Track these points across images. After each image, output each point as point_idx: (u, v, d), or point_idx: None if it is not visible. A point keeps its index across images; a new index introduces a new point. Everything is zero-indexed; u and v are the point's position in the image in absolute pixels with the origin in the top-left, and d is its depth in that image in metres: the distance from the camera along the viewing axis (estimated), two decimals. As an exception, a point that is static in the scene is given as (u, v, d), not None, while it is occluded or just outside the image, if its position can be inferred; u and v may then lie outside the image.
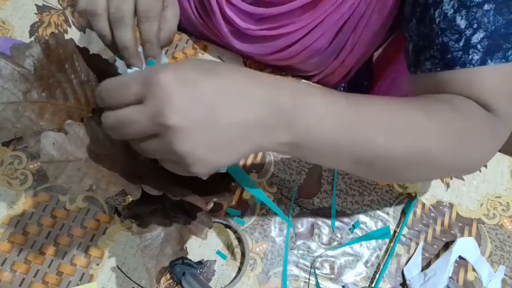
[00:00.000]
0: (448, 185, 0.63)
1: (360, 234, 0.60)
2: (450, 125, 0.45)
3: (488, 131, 0.48)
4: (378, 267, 0.58)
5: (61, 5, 0.73)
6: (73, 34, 0.70)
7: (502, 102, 0.48)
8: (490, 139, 0.49)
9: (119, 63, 0.49)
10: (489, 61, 0.46)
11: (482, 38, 0.46)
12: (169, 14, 0.49)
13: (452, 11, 0.47)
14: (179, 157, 0.35)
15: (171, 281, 0.56)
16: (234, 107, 0.35)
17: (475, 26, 0.46)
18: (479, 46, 0.46)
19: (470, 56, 0.47)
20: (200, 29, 0.69)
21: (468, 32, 0.47)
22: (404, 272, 0.57)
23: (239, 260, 0.58)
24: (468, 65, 0.47)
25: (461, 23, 0.47)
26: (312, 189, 0.62)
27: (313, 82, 0.73)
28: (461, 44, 0.47)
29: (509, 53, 0.46)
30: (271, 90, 0.37)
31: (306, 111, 0.38)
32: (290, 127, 0.37)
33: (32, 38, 0.70)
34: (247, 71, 0.38)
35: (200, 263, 0.56)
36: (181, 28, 0.76)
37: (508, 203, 0.63)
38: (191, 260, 0.55)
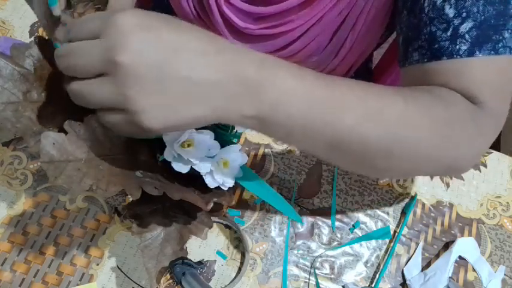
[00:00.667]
0: (448, 185, 0.63)
1: (360, 234, 0.60)
2: (429, 112, 0.43)
3: (472, 123, 0.45)
4: (378, 267, 0.58)
5: (61, 5, 0.73)
6: (73, 34, 0.70)
7: (489, 96, 0.46)
8: (475, 132, 0.46)
9: None
10: (477, 52, 0.44)
11: (470, 28, 0.44)
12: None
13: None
14: (125, 102, 0.32)
15: (171, 281, 0.56)
16: (192, 63, 0.33)
17: (464, 15, 0.45)
18: (467, 36, 0.45)
19: (457, 46, 0.45)
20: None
21: (456, 21, 0.45)
22: (404, 272, 0.57)
23: (239, 260, 0.58)
24: (455, 56, 0.45)
25: (450, 11, 0.45)
26: (312, 189, 0.62)
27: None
28: (448, 33, 0.45)
29: (499, 45, 0.44)
30: (235, 57, 0.35)
31: (273, 84, 0.36)
32: (255, 99, 0.35)
33: (32, 38, 0.70)
34: (214, 35, 0.36)
35: (200, 263, 0.56)
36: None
37: (508, 203, 0.63)
38: (191, 260, 0.55)
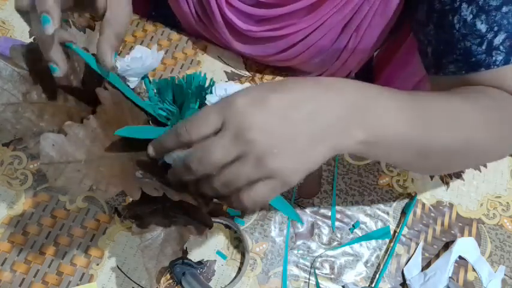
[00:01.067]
0: (448, 185, 0.63)
1: (360, 234, 0.60)
2: (490, 115, 0.48)
3: None
4: (378, 267, 0.58)
5: (61, 5, 0.73)
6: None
7: None
8: None
9: (118, 63, 0.49)
10: None
11: (504, 40, 0.48)
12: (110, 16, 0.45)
13: (471, 16, 0.49)
14: (267, 168, 0.36)
15: (171, 281, 0.56)
16: (306, 112, 0.36)
17: (496, 28, 0.48)
18: (501, 47, 0.49)
19: (493, 58, 0.49)
20: (200, 32, 0.69)
21: (490, 36, 0.49)
22: (404, 272, 0.57)
23: (239, 260, 0.58)
24: (493, 66, 0.49)
25: (482, 27, 0.49)
26: (312, 189, 0.62)
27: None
28: (484, 47, 0.49)
29: None
30: (341, 91, 0.38)
31: (377, 108, 0.39)
32: (364, 124, 0.39)
33: (32, 38, 0.70)
34: (313, 79, 0.39)
35: (200, 263, 0.56)
36: (181, 29, 0.76)
37: (508, 203, 0.63)
38: (191, 260, 0.55)
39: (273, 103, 0.36)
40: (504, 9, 0.48)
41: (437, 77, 0.55)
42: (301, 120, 0.36)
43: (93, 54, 0.48)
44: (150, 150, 0.42)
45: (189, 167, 0.37)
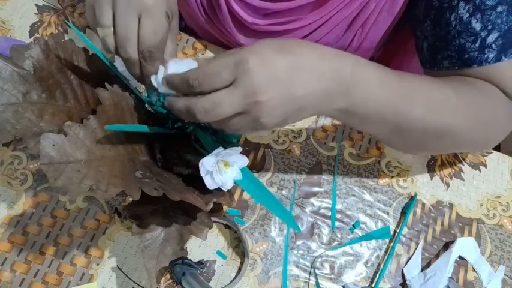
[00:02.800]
0: (448, 185, 0.63)
1: (360, 234, 0.60)
2: (474, 103, 0.50)
3: (505, 113, 0.53)
4: (378, 267, 0.58)
5: (61, 5, 0.73)
6: (73, 34, 0.70)
7: None
8: (506, 121, 0.54)
9: (118, 63, 0.49)
10: (503, 57, 0.51)
11: (496, 38, 0.50)
12: (174, 23, 0.50)
13: (467, 14, 0.51)
14: (260, 126, 0.41)
15: (171, 281, 0.56)
16: (304, 82, 0.40)
17: (490, 27, 0.50)
18: (494, 46, 0.50)
19: (486, 55, 0.51)
20: (205, 26, 0.69)
21: (483, 34, 0.50)
22: (404, 272, 0.57)
23: (239, 260, 0.58)
24: (484, 63, 0.51)
25: (477, 25, 0.50)
26: (312, 189, 0.62)
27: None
28: (477, 44, 0.51)
29: None
30: (334, 63, 0.42)
31: (362, 83, 0.43)
32: (347, 96, 0.43)
33: (32, 38, 0.70)
34: (314, 46, 0.42)
35: (200, 263, 0.56)
36: (183, 27, 0.76)
37: (508, 203, 0.63)
38: (191, 260, 0.55)
39: (280, 65, 0.39)
40: (499, 8, 0.49)
41: (432, 71, 0.57)
42: (299, 89, 0.40)
43: (94, 55, 0.48)
44: (153, 79, 0.44)
45: (193, 114, 0.40)
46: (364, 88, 0.43)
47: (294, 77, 0.40)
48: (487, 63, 0.51)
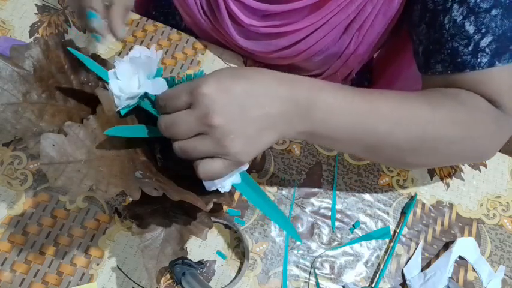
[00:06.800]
0: (448, 185, 0.63)
1: (360, 234, 0.60)
2: (453, 117, 0.49)
3: (494, 123, 0.51)
4: (378, 267, 0.58)
5: (61, 5, 0.73)
6: (73, 34, 0.70)
7: (508, 99, 0.51)
8: (496, 131, 0.52)
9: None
10: (497, 62, 0.49)
11: (490, 42, 0.49)
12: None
13: (461, 17, 0.49)
14: (225, 149, 0.41)
15: (171, 281, 0.56)
16: (260, 104, 0.41)
17: (483, 30, 0.49)
18: (487, 50, 0.49)
19: (479, 60, 0.49)
20: (204, 28, 0.69)
21: (477, 37, 0.49)
22: (404, 272, 0.57)
23: (239, 260, 0.58)
24: (477, 68, 0.50)
25: (470, 28, 0.49)
26: (312, 189, 0.62)
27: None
28: (470, 48, 0.50)
29: None
30: (290, 88, 0.43)
31: (319, 104, 0.43)
32: (306, 118, 0.43)
33: (32, 38, 0.70)
34: (270, 72, 0.44)
35: (200, 263, 0.56)
36: (182, 27, 0.76)
37: (508, 203, 0.63)
38: (191, 260, 0.55)
39: (235, 91, 0.41)
40: (494, 12, 0.48)
41: (427, 76, 0.56)
42: (255, 110, 0.41)
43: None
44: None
45: (160, 126, 0.43)
46: (322, 110, 0.44)
47: (249, 100, 0.41)
48: (480, 68, 0.49)
